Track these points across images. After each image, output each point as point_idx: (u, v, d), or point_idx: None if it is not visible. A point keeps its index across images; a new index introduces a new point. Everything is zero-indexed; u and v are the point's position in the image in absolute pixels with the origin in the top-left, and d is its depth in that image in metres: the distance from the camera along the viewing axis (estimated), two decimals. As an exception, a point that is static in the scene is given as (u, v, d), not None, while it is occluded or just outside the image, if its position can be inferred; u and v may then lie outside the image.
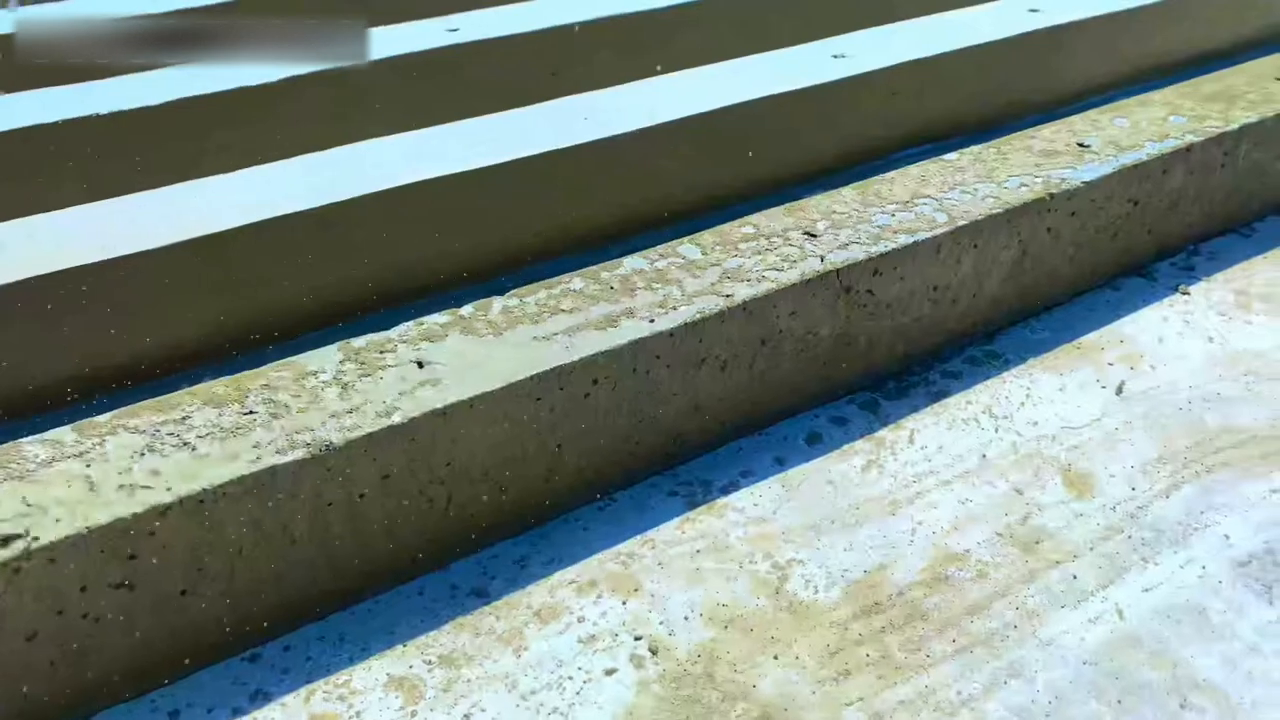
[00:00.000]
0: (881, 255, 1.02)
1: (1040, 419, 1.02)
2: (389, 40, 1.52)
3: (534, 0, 1.68)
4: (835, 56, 1.48)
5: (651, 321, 0.92)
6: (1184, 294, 1.20)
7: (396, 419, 0.81)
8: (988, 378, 1.08)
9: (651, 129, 1.27)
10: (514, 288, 0.98)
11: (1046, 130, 1.25)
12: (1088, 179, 1.13)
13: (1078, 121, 1.27)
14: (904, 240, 1.03)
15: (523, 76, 1.54)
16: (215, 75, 1.39)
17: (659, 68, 1.51)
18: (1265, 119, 1.26)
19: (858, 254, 1.01)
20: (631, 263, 1.01)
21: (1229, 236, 1.31)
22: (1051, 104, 1.59)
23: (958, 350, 1.12)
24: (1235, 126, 1.24)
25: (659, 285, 0.97)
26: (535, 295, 0.95)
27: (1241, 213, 1.32)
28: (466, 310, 0.93)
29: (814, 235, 1.05)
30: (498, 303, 0.94)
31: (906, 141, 1.49)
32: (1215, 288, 1.21)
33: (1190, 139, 1.21)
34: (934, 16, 1.62)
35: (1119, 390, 1.05)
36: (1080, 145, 1.20)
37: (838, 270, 0.99)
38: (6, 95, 1.33)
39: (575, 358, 0.87)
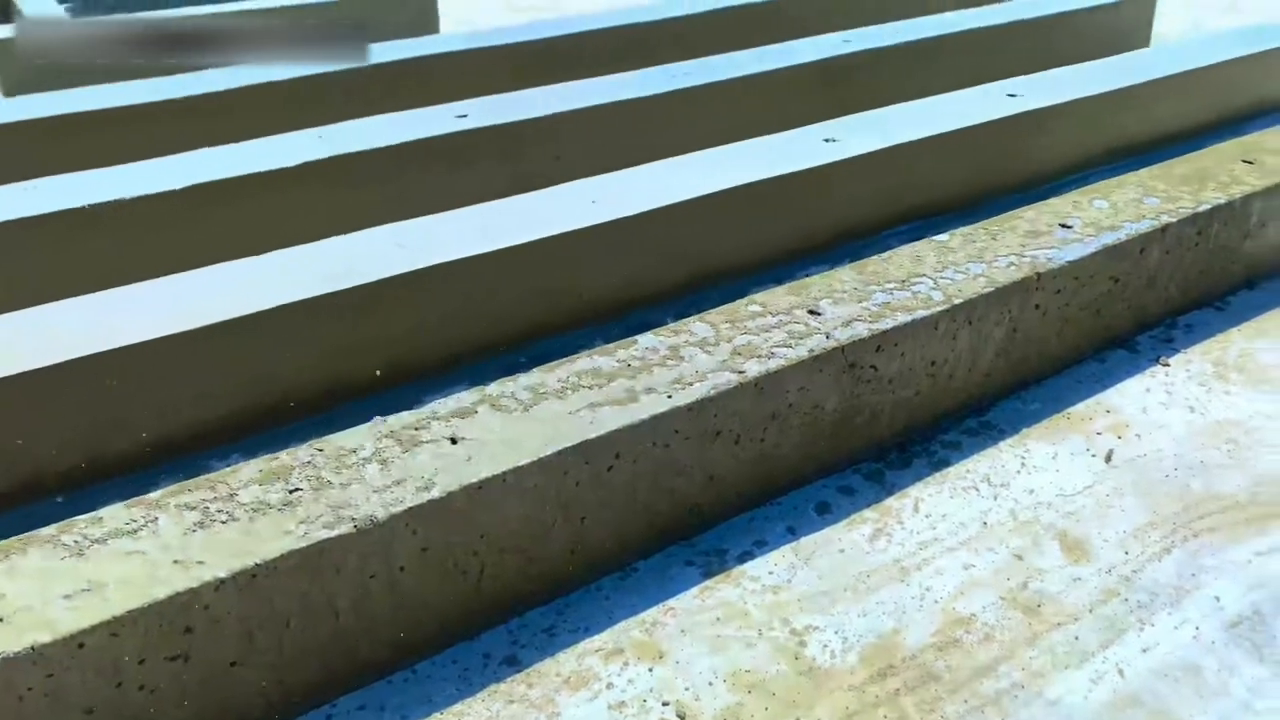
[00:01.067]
0: (883, 332, 1.08)
1: (1036, 487, 1.07)
2: (401, 125, 1.59)
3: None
4: (827, 140, 1.56)
5: (669, 397, 0.97)
6: (1165, 365, 1.26)
7: (436, 493, 0.85)
8: (985, 448, 1.14)
9: (664, 209, 1.33)
10: (531, 365, 1.03)
11: (1030, 211, 1.32)
12: (1071, 258, 1.20)
13: (1059, 203, 1.34)
14: (903, 318, 1.09)
15: (506, 162, 1.61)
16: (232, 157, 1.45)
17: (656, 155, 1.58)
18: (1233, 200, 1.35)
19: (861, 331, 1.07)
20: (646, 340, 1.06)
21: (1205, 310, 1.38)
22: (1031, 183, 1.68)
23: (956, 422, 1.18)
24: (1206, 207, 1.32)
25: (674, 362, 1.02)
26: (556, 372, 1.00)
27: (1215, 287, 1.40)
28: (493, 388, 0.98)
29: (817, 313, 1.11)
30: (522, 379, 0.99)
31: (895, 220, 1.57)
32: (1194, 359, 1.28)
33: (1165, 220, 1.29)
34: (918, 102, 1.71)
35: (1108, 458, 1.11)
36: (1063, 226, 1.28)
37: (843, 347, 1.05)
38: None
39: (599, 433, 0.92)
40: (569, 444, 0.91)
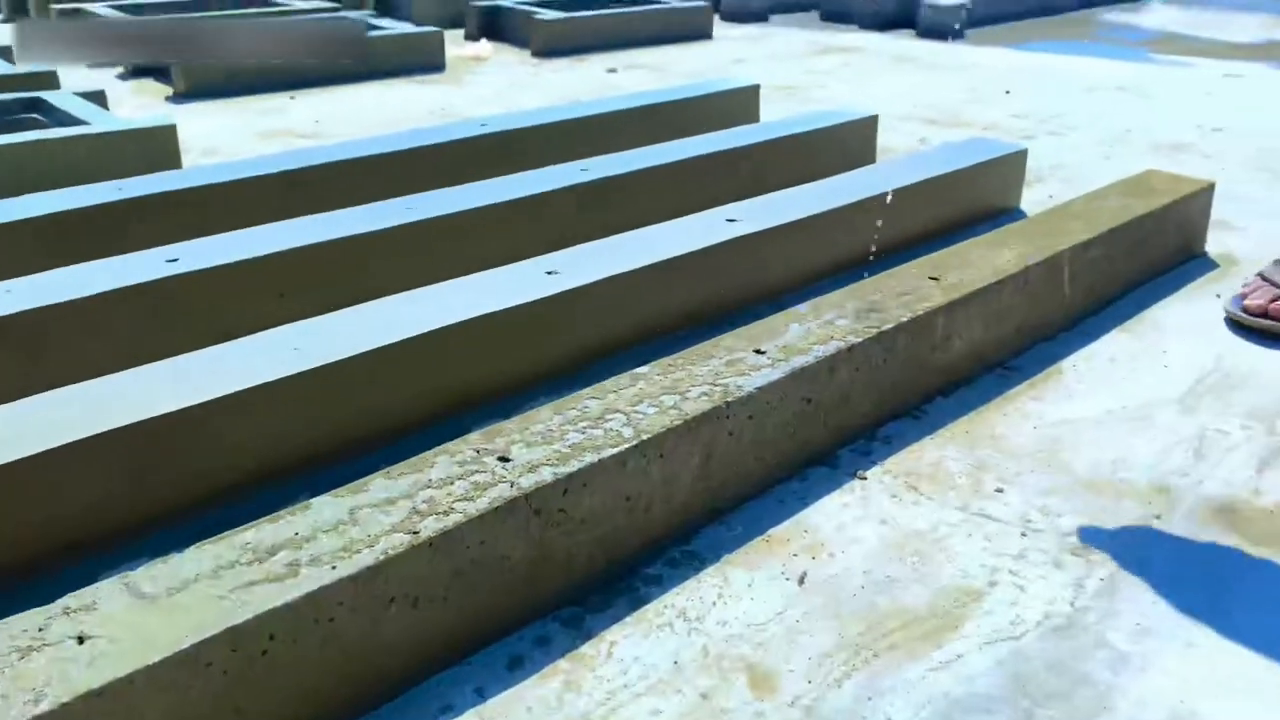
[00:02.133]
0: (570, 475, 1.07)
1: (729, 618, 1.08)
2: (105, 273, 1.51)
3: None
4: (549, 273, 1.58)
5: (334, 568, 0.92)
6: (861, 479, 1.32)
7: (46, 706, 0.77)
8: (686, 579, 1.14)
9: (352, 358, 1.31)
10: (193, 541, 0.97)
11: (730, 339, 1.37)
12: (760, 385, 1.25)
13: (758, 328, 1.40)
14: (591, 459, 1.09)
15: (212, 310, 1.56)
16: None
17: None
18: (917, 316, 1.44)
19: (547, 475, 1.06)
20: (320, 504, 1.02)
21: (903, 420, 1.46)
22: (745, 305, 1.75)
23: (659, 554, 1.18)
24: (891, 325, 1.40)
25: (346, 526, 0.98)
26: (212, 549, 0.94)
27: (910, 398, 1.48)
28: (139, 572, 0.91)
29: (507, 460, 1.09)
30: (173, 559, 0.93)
31: (614, 349, 1.60)
32: (889, 471, 1.34)
33: (851, 340, 1.36)
34: (641, 231, 1.76)
35: (801, 581, 1.13)
36: (757, 351, 1.32)
37: (527, 495, 1.04)
38: None
39: (249, 615, 0.87)
40: (213, 632, 0.85)
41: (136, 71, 3.71)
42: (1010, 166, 2.29)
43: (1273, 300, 1.67)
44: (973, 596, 1.11)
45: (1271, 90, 3.66)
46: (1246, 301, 1.71)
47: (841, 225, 1.91)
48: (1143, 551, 1.19)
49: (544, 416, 1.17)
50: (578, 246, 1.69)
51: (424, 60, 3.85)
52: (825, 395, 1.33)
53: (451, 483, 1.05)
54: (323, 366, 1.30)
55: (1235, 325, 1.72)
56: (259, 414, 1.24)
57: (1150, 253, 1.93)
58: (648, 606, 1.10)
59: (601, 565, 1.13)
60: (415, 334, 1.37)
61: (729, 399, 1.21)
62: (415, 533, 0.97)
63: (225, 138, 2.89)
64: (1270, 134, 3.03)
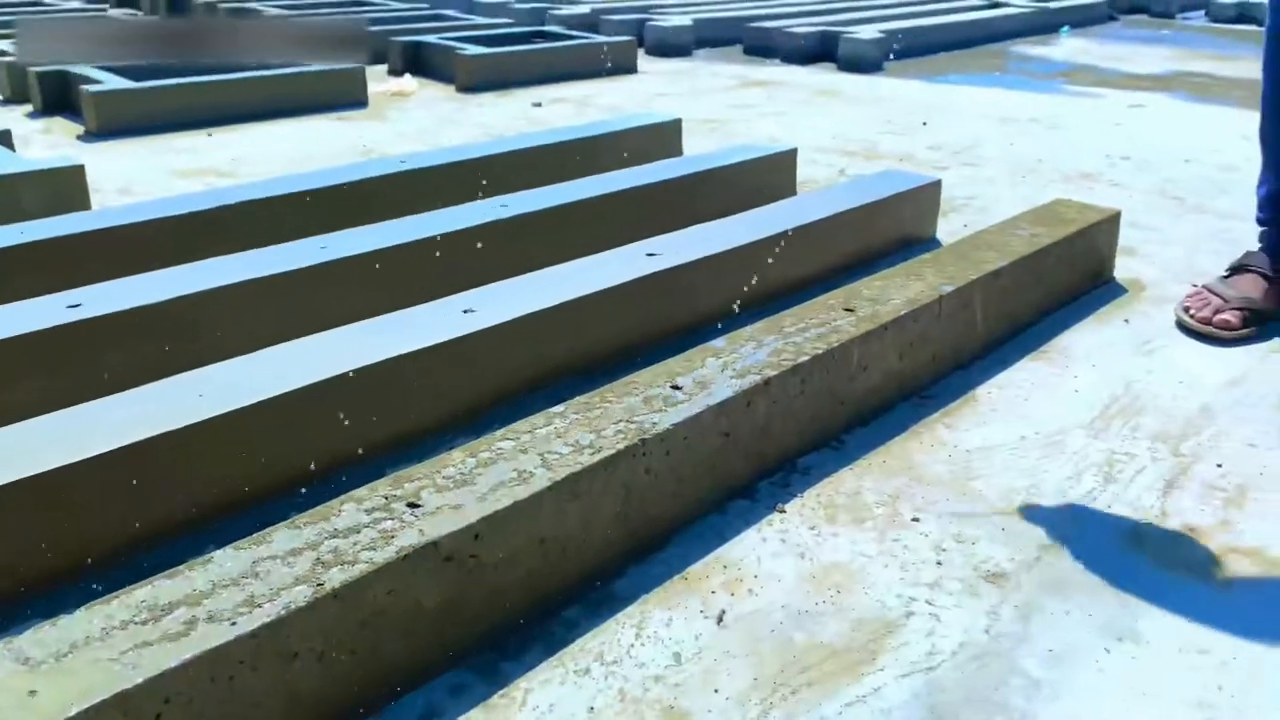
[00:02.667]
0: (483, 518, 1.06)
1: (647, 660, 1.07)
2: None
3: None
4: (466, 311, 1.57)
5: (233, 624, 0.89)
6: (781, 512, 1.32)
7: (-85, 786, 0.73)
8: (603, 621, 1.13)
9: (261, 404, 1.27)
10: (84, 602, 0.93)
11: (647, 374, 1.36)
12: (677, 421, 1.24)
13: (675, 363, 1.40)
14: (504, 501, 1.08)
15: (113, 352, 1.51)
16: None
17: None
18: (832, 348, 1.45)
19: (458, 521, 1.04)
20: (223, 556, 0.98)
21: (823, 451, 1.46)
22: (668, 339, 1.75)
23: (576, 596, 1.16)
24: (807, 358, 1.41)
25: (248, 580, 0.95)
26: (104, 609, 0.90)
27: (830, 428, 1.49)
28: (26, 636, 0.87)
29: (417, 505, 1.07)
30: (62, 621, 0.89)
31: (533, 387, 1.58)
32: (808, 503, 1.34)
33: (768, 373, 1.36)
34: (559, 267, 1.76)
35: (719, 619, 1.12)
36: (674, 387, 1.32)
37: (437, 541, 1.02)
38: None
39: (142, 678, 0.83)
40: (102, 697, 0.81)
41: (47, 109, 3.62)
42: (925, 197, 2.33)
43: (1216, 312, 1.85)
44: (890, 628, 1.11)
45: (1175, 120, 3.80)
46: (1194, 313, 1.88)
47: (761, 257, 1.92)
48: (1055, 577, 1.20)
49: (456, 459, 1.15)
50: (496, 283, 1.68)
51: (346, 97, 3.82)
52: (743, 429, 1.33)
53: (358, 531, 1.02)
54: (229, 413, 1.26)
55: (1185, 329, 1.90)
56: (162, 464, 1.20)
57: (1060, 280, 1.98)
58: (564, 651, 1.08)
59: (517, 610, 1.11)
60: (325, 377, 1.35)
61: (645, 436, 1.21)
62: (320, 584, 0.95)
63: (139, 177, 2.82)
64: (1174, 163, 3.14)
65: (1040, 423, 1.56)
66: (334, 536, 1.01)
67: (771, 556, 1.23)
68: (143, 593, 0.93)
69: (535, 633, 1.11)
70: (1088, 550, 1.25)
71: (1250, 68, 5.15)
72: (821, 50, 5.02)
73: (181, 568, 0.97)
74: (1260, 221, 1.95)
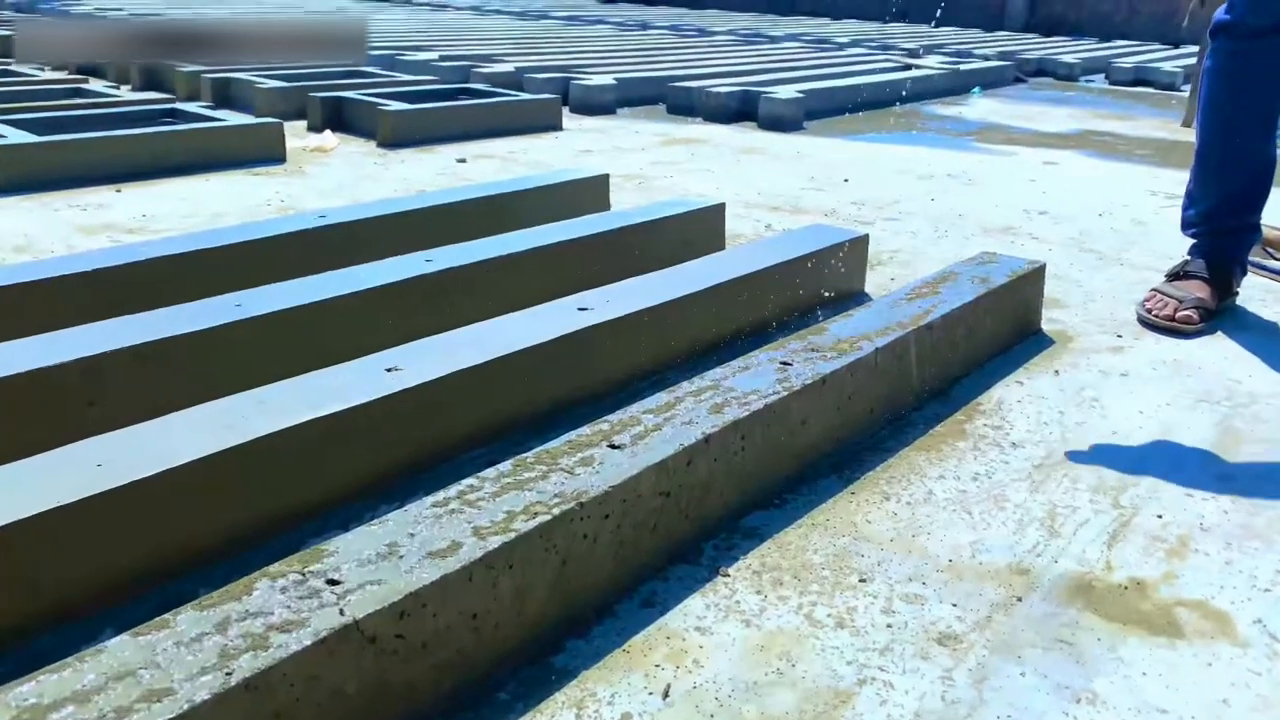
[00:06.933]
0: (408, 595, 0.98)
1: (589, 742, 0.99)
2: None
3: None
4: (389, 370, 1.49)
5: (128, 723, 0.80)
6: (725, 576, 1.26)
7: None
8: (541, 700, 1.05)
9: (166, 473, 1.18)
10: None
11: (587, 431, 1.30)
12: (615, 482, 1.18)
13: (613, 421, 1.34)
14: (430, 575, 1.00)
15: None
16: None
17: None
18: (771, 404, 1.41)
19: (380, 598, 0.96)
20: (118, 644, 0.89)
21: (767, 510, 1.42)
22: (605, 394, 1.69)
23: (511, 674, 1.09)
24: (746, 414, 1.37)
25: (146, 671, 0.86)
26: (15, 688, 0.80)
27: (772, 486, 1.44)
28: (-118, 748, 0.76)
29: (337, 582, 0.99)
30: (-71, 729, 0.78)
31: (468, 446, 1.51)
32: (752, 565, 1.29)
33: (707, 430, 1.32)
34: (489, 323, 1.69)
35: (665, 695, 1.06)
36: (612, 446, 1.27)
37: (358, 622, 0.94)
38: None
39: (19, 792, 0.73)
40: (-30, 816, 0.71)
41: (-58, 164, 3.44)
42: (853, 252, 2.33)
43: (1176, 310, 2.12)
44: (842, 699, 1.06)
45: (1086, 176, 3.92)
46: (1156, 313, 2.14)
47: (694, 311, 1.89)
48: (1007, 636, 1.17)
49: (375, 532, 1.08)
50: (422, 340, 1.61)
51: (263, 152, 3.72)
52: (684, 488, 1.28)
53: (272, 612, 0.93)
54: (131, 484, 1.16)
55: (1150, 325, 2.16)
56: (56, 540, 1.10)
57: (990, 332, 1.98)
58: (499, 735, 1.00)
59: (448, 692, 1.03)
60: (240, 442, 1.26)
61: (583, 499, 1.15)
62: (229, 673, 0.86)
63: (39, 234, 2.69)
64: (1088, 216, 3.22)
65: (980, 476, 1.54)
66: (245, 618, 0.92)
67: (717, 625, 1.17)
68: (23, 689, 0.83)
69: (465, 717, 1.03)
70: (1038, 607, 1.22)
71: (1153, 126, 5.38)
72: (743, 109, 5.09)
73: (69, 659, 0.87)
74: (1192, 235, 2.24)
